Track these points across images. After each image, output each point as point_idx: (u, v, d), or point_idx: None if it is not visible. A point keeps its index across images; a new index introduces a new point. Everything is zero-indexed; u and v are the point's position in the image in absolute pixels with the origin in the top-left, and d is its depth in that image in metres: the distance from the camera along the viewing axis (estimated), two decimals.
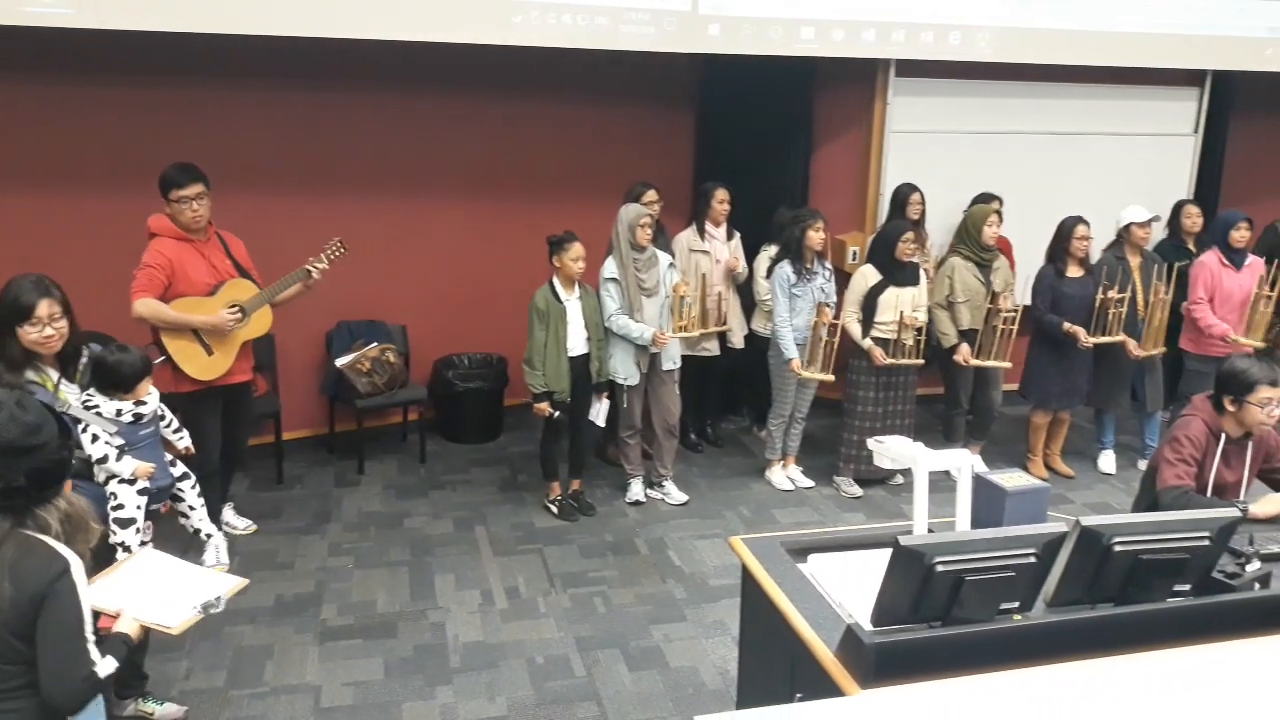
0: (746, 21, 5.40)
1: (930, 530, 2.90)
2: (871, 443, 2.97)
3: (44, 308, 3.03)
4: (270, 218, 5.17)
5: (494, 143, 5.89)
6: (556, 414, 4.76)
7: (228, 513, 4.76)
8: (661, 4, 5.24)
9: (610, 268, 4.88)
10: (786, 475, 5.46)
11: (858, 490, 5.35)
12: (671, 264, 5.07)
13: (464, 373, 5.88)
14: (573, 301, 4.74)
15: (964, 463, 2.76)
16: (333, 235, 4.56)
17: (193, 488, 3.58)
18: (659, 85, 6.01)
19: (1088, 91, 6.31)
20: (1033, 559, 2.40)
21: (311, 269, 4.37)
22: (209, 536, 3.74)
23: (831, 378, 5.18)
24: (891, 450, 2.83)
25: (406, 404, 5.71)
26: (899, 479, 5.47)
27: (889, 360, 5.10)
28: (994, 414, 5.60)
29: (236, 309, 4.21)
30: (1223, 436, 3.29)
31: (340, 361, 5.37)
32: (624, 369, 4.93)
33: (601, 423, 4.95)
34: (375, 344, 5.47)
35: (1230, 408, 3.26)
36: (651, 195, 5.30)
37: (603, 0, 5.12)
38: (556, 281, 4.76)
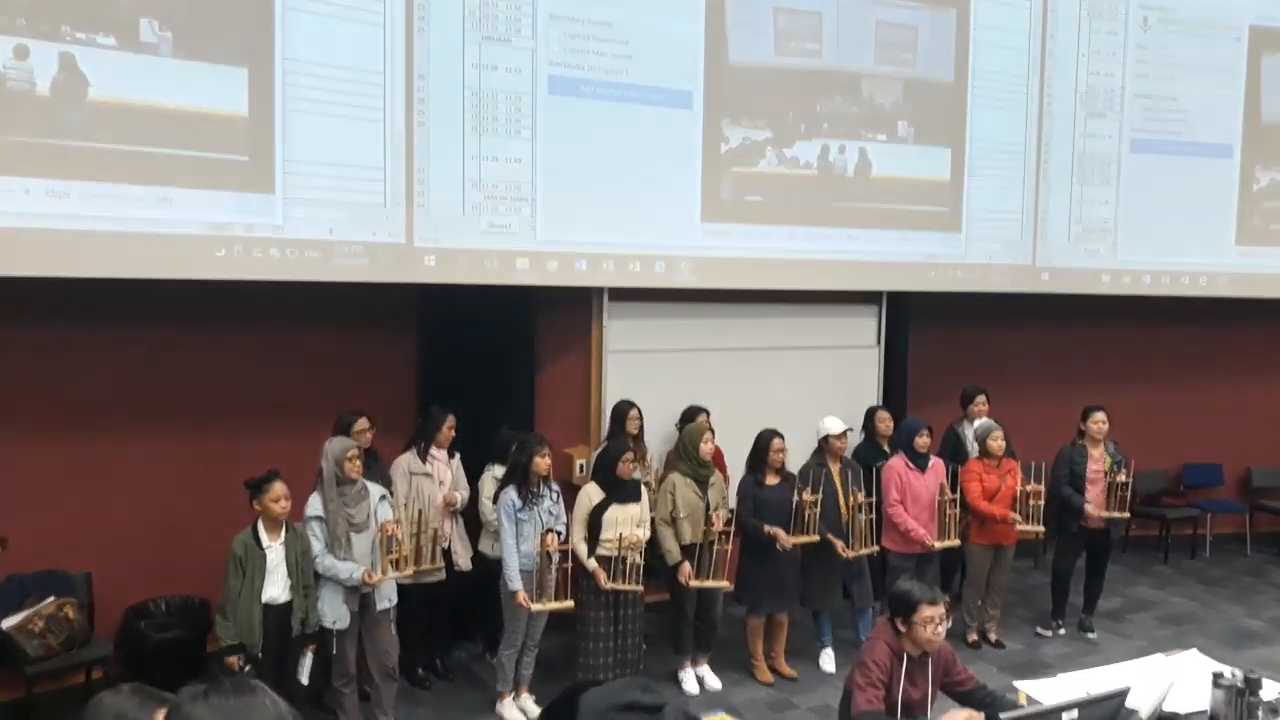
0: (462, 253, 5.56)
1: None
2: None
3: None
4: None
5: (192, 372, 5.62)
6: (247, 668, 4.39)
7: None
8: (375, 238, 5.30)
9: (314, 505, 4.66)
10: (518, 707, 5.26)
11: None
12: (384, 496, 4.92)
13: (159, 621, 5.33)
14: (276, 547, 4.46)
15: None
16: None
17: None
18: (377, 308, 6.00)
19: (782, 310, 6.91)
20: None
21: None
22: None
23: (569, 604, 5.11)
24: None
25: (89, 664, 5.09)
26: None
27: (612, 585, 5.14)
28: (716, 625, 5.72)
29: None
30: (905, 656, 3.49)
31: (8, 624, 4.75)
32: (333, 612, 4.64)
33: (305, 680, 4.59)
34: (51, 599, 4.89)
35: (901, 628, 3.47)
36: (362, 424, 5.19)
37: (314, 234, 5.13)
38: (260, 525, 4.49)
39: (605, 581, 5.14)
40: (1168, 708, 3.30)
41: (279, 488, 4.43)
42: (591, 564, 5.16)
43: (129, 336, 5.44)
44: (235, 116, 4.92)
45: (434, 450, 5.48)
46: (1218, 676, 3.38)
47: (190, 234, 4.84)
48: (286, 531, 4.51)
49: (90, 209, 4.62)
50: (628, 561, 5.18)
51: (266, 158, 5.00)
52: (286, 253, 5.06)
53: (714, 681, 5.69)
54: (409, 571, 4.91)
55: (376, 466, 5.29)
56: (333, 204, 5.17)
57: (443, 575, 5.36)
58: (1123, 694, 3.03)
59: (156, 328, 5.49)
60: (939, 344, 7.70)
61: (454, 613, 5.82)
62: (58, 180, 4.54)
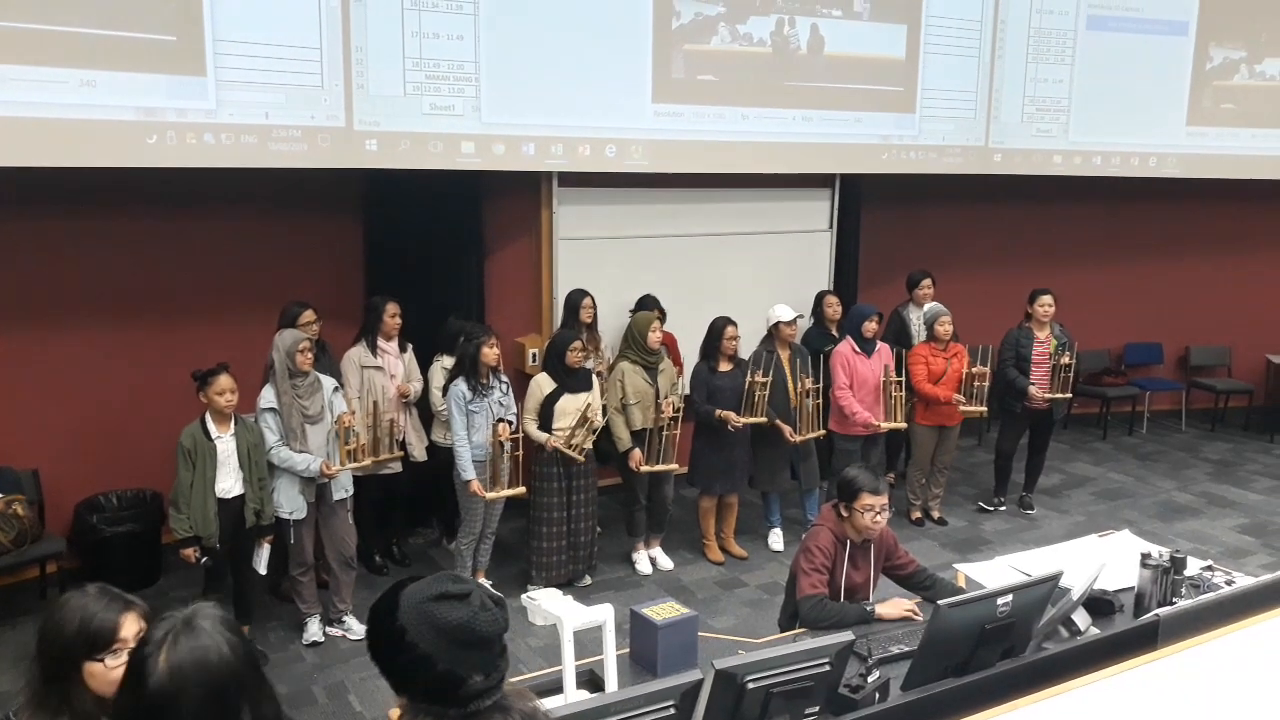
0: (404, 137, 5.38)
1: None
2: (524, 599, 2.98)
3: (129, 626, 1.96)
4: None
5: (134, 263, 5.47)
6: (205, 560, 4.41)
7: None
8: (314, 121, 5.11)
9: (267, 397, 4.61)
10: None
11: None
12: (337, 388, 4.87)
13: (112, 515, 5.32)
14: (226, 439, 4.43)
15: (607, 617, 2.82)
16: None
17: None
18: (322, 195, 5.82)
19: (735, 195, 6.83)
20: (672, 712, 2.48)
21: None
22: None
23: (522, 490, 5.17)
24: (543, 606, 2.84)
25: (42, 559, 5.08)
26: (587, 579, 5.56)
27: (555, 443, 5.19)
28: (668, 508, 5.84)
29: None
30: (848, 542, 3.58)
31: None
32: (289, 502, 4.65)
33: (263, 570, 4.64)
34: (0, 496, 4.86)
35: (844, 514, 3.55)
36: (309, 316, 5.09)
37: (249, 118, 4.93)
38: (209, 417, 4.44)
39: (555, 441, 5.18)
40: (1099, 586, 3.45)
41: (224, 381, 4.35)
42: (543, 435, 5.20)
43: (69, 227, 5.27)
44: None
45: (383, 343, 5.41)
46: (1145, 557, 3.53)
47: (118, 120, 4.63)
48: (236, 424, 4.47)
49: (7, 93, 4.38)
50: (584, 446, 5.25)
51: (196, 38, 4.75)
52: (221, 138, 4.86)
53: (666, 562, 5.84)
54: (366, 462, 4.92)
55: (326, 358, 5.23)
56: (268, 86, 4.95)
57: (400, 466, 5.38)
58: (1056, 578, 3.16)
59: (97, 218, 5.31)
60: (889, 227, 7.70)
61: (410, 501, 5.87)
62: None
